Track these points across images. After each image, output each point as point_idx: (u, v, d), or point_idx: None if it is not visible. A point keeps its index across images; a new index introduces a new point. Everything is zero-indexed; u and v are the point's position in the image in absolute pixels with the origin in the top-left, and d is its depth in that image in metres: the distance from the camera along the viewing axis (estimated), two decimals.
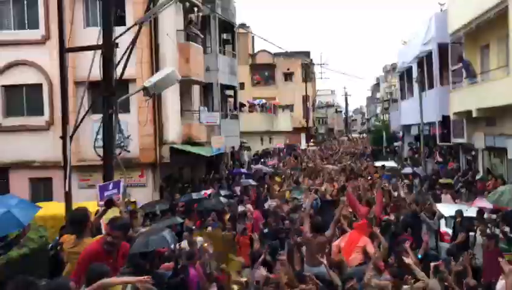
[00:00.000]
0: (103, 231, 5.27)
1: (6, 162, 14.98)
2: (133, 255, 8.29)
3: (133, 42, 7.85)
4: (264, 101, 36.67)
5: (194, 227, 11.28)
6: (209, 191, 15.60)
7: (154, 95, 14.65)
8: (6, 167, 15.03)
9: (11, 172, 15.05)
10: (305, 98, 45.62)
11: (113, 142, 7.06)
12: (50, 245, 7.62)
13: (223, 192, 15.95)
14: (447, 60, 19.51)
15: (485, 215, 10.31)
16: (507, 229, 9.50)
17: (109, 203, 4.93)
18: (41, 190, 14.93)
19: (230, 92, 25.86)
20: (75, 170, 13.86)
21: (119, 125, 7.15)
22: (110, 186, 6.30)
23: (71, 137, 8.52)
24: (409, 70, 27.04)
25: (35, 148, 14.76)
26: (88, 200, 8.79)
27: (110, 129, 7.18)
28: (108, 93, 6.91)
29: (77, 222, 4.41)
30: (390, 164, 24.76)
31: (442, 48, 20.03)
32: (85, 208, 4.75)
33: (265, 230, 11.39)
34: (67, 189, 7.36)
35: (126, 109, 14.47)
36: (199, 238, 9.62)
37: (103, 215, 5.11)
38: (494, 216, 10.41)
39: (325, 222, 7.87)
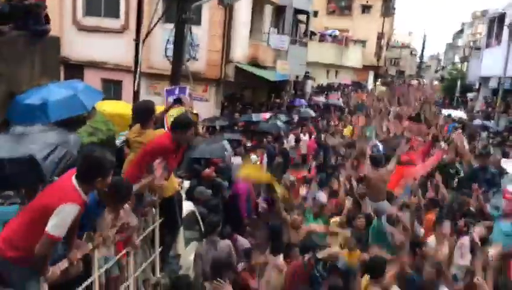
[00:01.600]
0: (165, 127, 5.48)
1: (81, 60, 15.74)
2: (190, 160, 8.75)
3: None
4: (336, 32, 35.12)
5: (250, 145, 11.59)
6: (267, 115, 15.74)
7: (225, 7, 14.53)
8: (81, 65, 15.80)
9: (86, 70, 15.84)
10: (381, 35, 43.16)
11: (183, 49, 7.16)
12: (118, 140, 8.06)
13: (282, 117, 16.03)
14: None
15: None
16: None
17: (177, 101, 5.05)
18: (112, 91, 15.69)
19: (302, 18, 24.94)
20: (144, 77, 14.33)
21: (190, 32, 7.19)
22: (177, 91, 6.49)
23: (143, 41, 8.70)
24: (501, 16, 24.53)
25: (109, 50, 15.28)
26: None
27: (181, 35, 7.24)
28: None
29: (142, 111, 4.57)
30: (459, 114, 23.44)
31: None
32: (151, 100, 4.93)
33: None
34: (135, 88, 7.68)
35: (197, 21, 14.44)
36: (253, 156, 9.90)
37: (168, 111, 5.28)
38: None
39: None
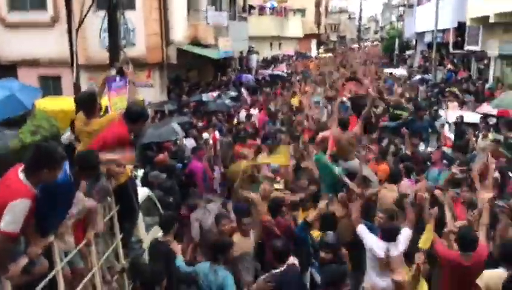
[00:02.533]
0: (109, 111, 5.41)
1: (13, 59, 14.97)
2: (141, 147, 8.69)
3: None
4: (275, 4, 35.15)
5: (201, 125, 11.61)
6: (215, 94, 15.74)
7: None
8: (14, 64, 15.05)
9: (20, 69, 15.09)
10: (318, 2, 43.67)
11: (118, 35, 7.02)
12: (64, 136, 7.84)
13: (232, 93, 16.09)
14: None
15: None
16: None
17: (120, 71, 4.94)
18: (51, 88, 15.10)
19: None
20: (84, 69, 13.88)
21: (123, 17, 7.04)
22: (118, 79, 6.35)
23: (77, 30, 8.44)
24: None
25: (42, 45, 14.61)
26: None
27: (114, 22, 7.09)
28: None
29: (84, 101, 4.47)
30: (400, 71, 24.43)
31: None
32: (92, 88, 4.83)
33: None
34: (75, 81, 7.49)
35: (131, 6, 14.05)
36: (205, 134, 9.97)
37: (105, 84, 5.17)
38: (494, 120, 10.57)
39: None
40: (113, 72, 5.27)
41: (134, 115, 4.16)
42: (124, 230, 4.38)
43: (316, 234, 5.34)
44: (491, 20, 15.31)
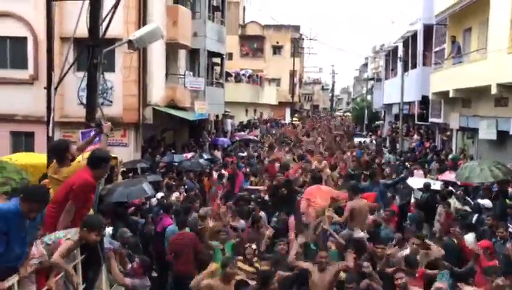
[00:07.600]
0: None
1: None
2: (112, 205, 8.68)
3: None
4: (250, 72, 36.69)
5: (173, 185, 11.66)
6: (189, 155, 15.94)
7: (139, 53, 14.78)
8: None
9: None
10: (293, 73, 45.74)
11: (96, 93, 7.29)
12: None
13: (204, 156, 16.32)
14: (431, 40, 19.89)
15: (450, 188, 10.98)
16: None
17: (97, 126, 5.18)
18: (23, 144, 15.03)
19: (217, 60, 25.89)
20: (59, 126, 13.92)
21: (103, 76, 7.36)
22: (92, 133, 6.54)
23: (56, 88, 8.68)
24: (394, 49, 27.39)
25: (18, 101, 14.76)
26: None
27: (93, 80, 7.38)
28: (94, 43, 7.08)
29: (57, 150, 4.61)
30: (368, 140, 25.38)
31: (427, 29, 20.37)
32: (65, 139, 4.98)
33: None
34: (50, 134, 7.60)
35: (111, 68, 14.50)
36: (175, 194, 10.04)
37: (92, 141, 5.37)
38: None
39: None
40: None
41: (96, 159, 4.36)
42: (86, 279, 4.37)
43: None
44: (451, 95, 16.40)
